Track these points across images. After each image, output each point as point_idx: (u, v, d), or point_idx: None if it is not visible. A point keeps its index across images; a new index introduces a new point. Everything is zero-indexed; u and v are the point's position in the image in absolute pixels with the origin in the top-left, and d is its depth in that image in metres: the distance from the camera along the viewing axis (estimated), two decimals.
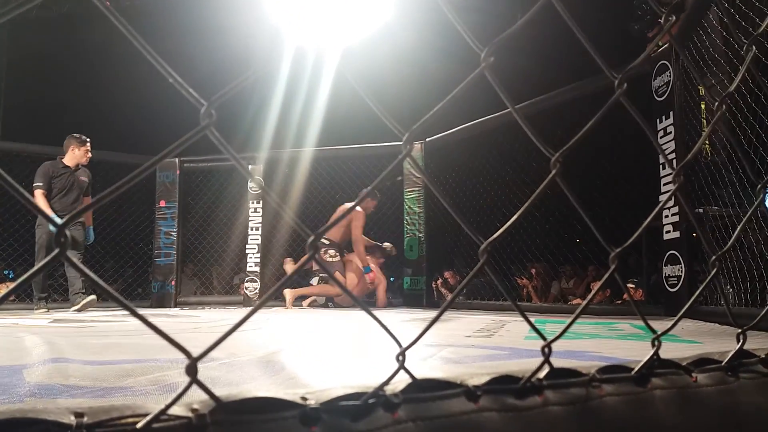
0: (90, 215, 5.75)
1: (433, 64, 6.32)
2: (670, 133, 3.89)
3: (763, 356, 0.75)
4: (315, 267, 5.99)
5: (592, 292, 0.67)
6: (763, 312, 0.80)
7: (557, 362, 1.84)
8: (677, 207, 3.93)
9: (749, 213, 0.86)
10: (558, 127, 4.97)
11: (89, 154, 5.59)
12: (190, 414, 0.44)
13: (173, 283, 6.54)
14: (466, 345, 2.28)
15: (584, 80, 4.78)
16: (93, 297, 5.25)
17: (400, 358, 0.54)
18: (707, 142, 3.62)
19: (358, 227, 5.83)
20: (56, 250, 0.41)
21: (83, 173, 5.63)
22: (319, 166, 6.74)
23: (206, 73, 7.02)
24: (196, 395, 0.47)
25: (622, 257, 0.70)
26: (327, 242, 5.83)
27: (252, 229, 6.57)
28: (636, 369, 0.63)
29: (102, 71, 8.35)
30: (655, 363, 0.66)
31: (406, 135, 0.59)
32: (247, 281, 6.56)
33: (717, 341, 2.44)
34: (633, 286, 5.06)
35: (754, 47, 0.88)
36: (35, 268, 0.44)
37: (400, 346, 0.55)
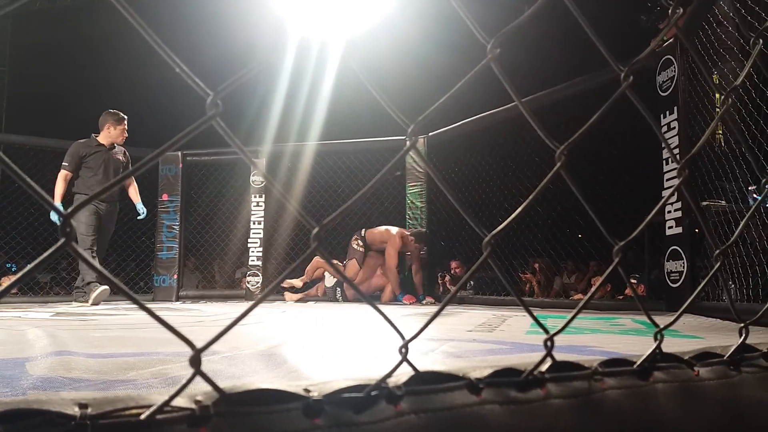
0: (136, 191, 5.59)
1: (435, 56, 6.30)
2: (674, 128, 3.87)
3: (766, 350, 0.75)
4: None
5: (594, 287, 0.67)
6: (766, 307, 0.80)
7: (559, 356, 1.85)
8: (680, 202, 3.92)
9: (752, 209, 0.86)
10: (561, 121, 4.96)
11: (126, 134, 5.35)
12: (193, 405, 0.44)
13: (175, 276, 6.55)
14: (468, 339, 2.29)
15: (588, 75, 4.76)
16: (105, 287, 5.22)
17: (403, 350, 0.54)
18: (720, 131, 3.61)
19: (392, 256, 5.78)
20: (61, 240, 0.41)
21: (120, 152, 5.40)
22: (321, 160, 6.74)
23: (210, 65, 7.02)
24: (199, 387, 0.47)
25: (623, 252, 0.70)
26: (361, 238, 5.90)
27: (254, 223, 6.57)
28: (638, 363, 0.63)
29: (106, 63, 8.35)
30: (658, 357, 0.66)
31: (411, 127, 0.59)
32: (249, 275, 6.58)
33: (719, 336, 2.44)
34: (635, 281, 5.06)
35: (761, 41, 0.87)
36: (85, 255, 0.44)
37: (403, 338, 0.55)
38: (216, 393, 0.45)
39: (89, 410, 0.41)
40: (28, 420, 0.39)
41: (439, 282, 6.77)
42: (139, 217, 5.68)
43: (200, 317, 3.83)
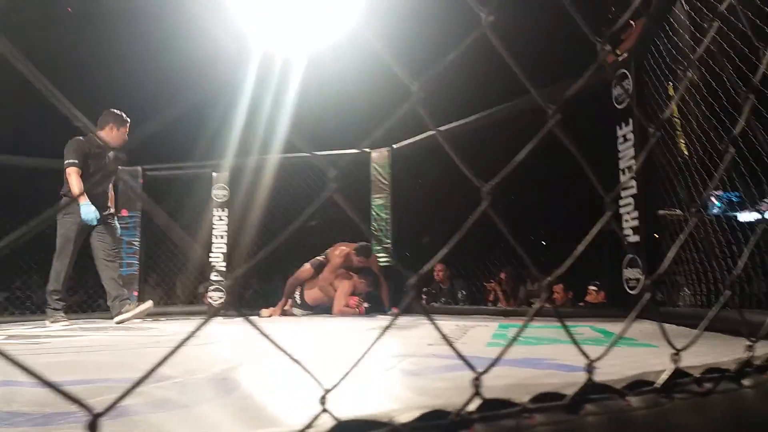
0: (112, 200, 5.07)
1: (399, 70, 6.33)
2: (630, 139, 3.97)
3: (697, 375, 0.76)
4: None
5: (530, 306, 0.67)
6: (695, 335, 0.81)
7: (515, 371, 1.83)
8: (637, 212, 4.01)
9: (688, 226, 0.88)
10: (519, 137, 5.02)
11: (126, 138, 4.82)
12: None
13: (136, 293, 6.40)
14: (427, 354, 2.28)
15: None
16: (149, 303, 4.91)
17: (322, 401, 0.53)
18: (683, 141, 3.70)
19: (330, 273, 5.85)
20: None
21: (116, 158, 4.82)
22: (284, 173, 6.68)
23: (170, 76, 6.91)
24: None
25: (584, 260, 0.70)
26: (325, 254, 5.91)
27: (217, 237, 6.47)
28: (569, 396, 0.63)
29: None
30: (589, 389, 0.66)
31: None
32: (211, 290, 6.47)
33: (674, 343, 2.49)
34: (595, 288, 5.15)
35: (717, 21, 0.89)
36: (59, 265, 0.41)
37: (324, 389, 0.54)
38: None
39: None
40: None
41: (489, 289, 6.48)
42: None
43: (158, 336, 3.74)
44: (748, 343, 0.85)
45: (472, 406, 0.57)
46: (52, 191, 5.23)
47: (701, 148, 3.18)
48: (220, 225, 6.51)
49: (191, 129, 6.95)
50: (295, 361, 0.51)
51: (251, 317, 0.53)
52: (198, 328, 0.47)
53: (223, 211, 6.50)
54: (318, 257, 5.97)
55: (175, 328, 4.68)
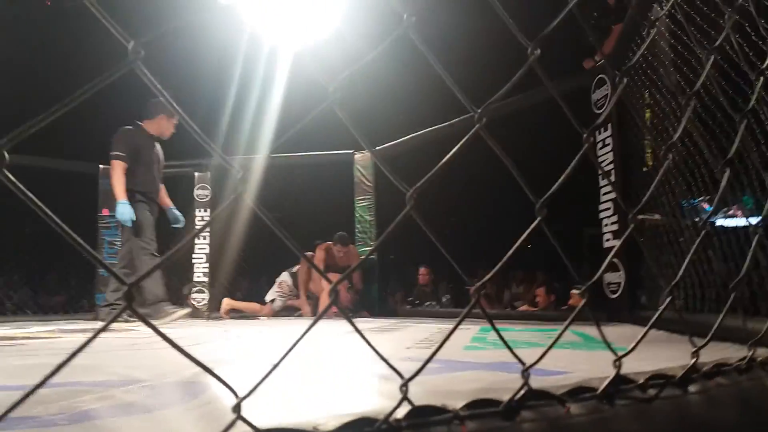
0: (166, 196, 4.88)
1: (384, 71, 6.32)
2: (609, 144, 4.00)
3: (642, 381, 0.76)
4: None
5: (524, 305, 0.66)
6: (636, 342, 0.82)
7: (486, 374, 1.83)
8: (616, 216, 4.04)
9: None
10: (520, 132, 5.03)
11: (174, 129, 4.64)
12: None
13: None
14: (404, 358, 2.28)
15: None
16: (185, 311, 4.60)
17: (237, 410, 0.52)
18: (649, 151, 3.73)
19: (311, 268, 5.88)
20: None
21: (159, 149, 4.72)
22: (269, 173, 6.65)
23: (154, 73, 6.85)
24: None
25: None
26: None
27: (199, 238, 6.42)
28: (504, 402, 0.63)
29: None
30: (527, 394, 0.66)
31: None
32: (194, 291, 6.42)
33: (651, 348, 2.50)
34: (577, 291, 5.17)
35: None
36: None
37: (236, 396, 0.53)
38: None
39: None
40: None
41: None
42: (177, 226, 4.99)
43: (137, 338, 3.70)
44: (693, 349, 0.85)
45: (401, 413, 0.57)
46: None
47: (677, 155, 3.20)
48: (202, 226, 6.47)
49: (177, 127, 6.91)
50: (207, 369, 0.51)
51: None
52: (95, 335, 0.46)
53: (205, 211, 6.46)
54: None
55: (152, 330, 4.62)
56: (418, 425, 0.56)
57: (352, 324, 0.58)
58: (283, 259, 6.32)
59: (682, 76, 3.12)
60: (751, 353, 0.91)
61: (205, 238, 6.46)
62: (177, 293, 7.20)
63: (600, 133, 4.03)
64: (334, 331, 4.01)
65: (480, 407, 0.61)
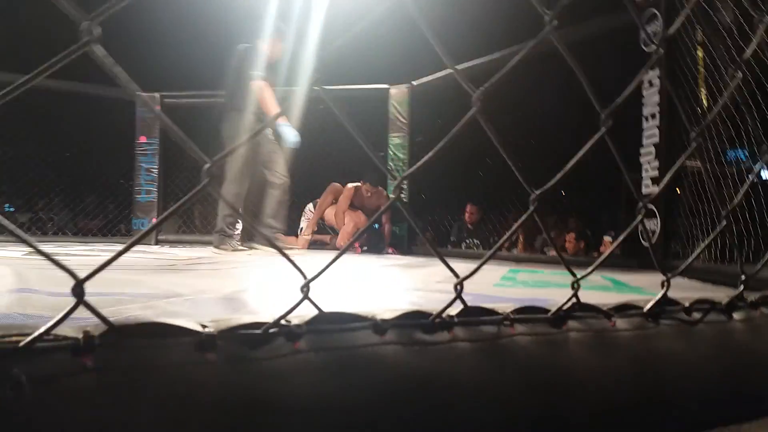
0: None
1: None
2: (655, 85, 3.85)
3: (687, 305, 0.76)
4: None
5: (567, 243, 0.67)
6: (689, 261, 0.81)
7: (507, 308, 1.86)
8: (657, 161, 3.93)
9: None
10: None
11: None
12: (79, 335, 0.44)
13: (154, 220, 6.52)
14: (434, 290, 2.32)
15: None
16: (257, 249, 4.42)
17: (305, 289, 0.54)
18: (704, 91, 3.58)
19: (340, 204, 5.91)
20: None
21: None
22: (304, 106, 6.61)
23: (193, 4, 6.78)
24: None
25: (540, 202, 0.70)
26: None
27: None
28: (552, 311, 0.64)
29: None
30: (576, 306, 0.67)
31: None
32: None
33: (680, 294, 2.49)
34: (610, 239, 5.13)
35: None
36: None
37: (304, 277, 0.55)
38: (105, 325, 0.45)
39: None
40: None
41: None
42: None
43: (174, 261, 3.83)
44: (742, 277, 0.84)
45: (454, 311, 0.58)
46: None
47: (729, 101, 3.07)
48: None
49: (210, 57, 6.87)
50: (286, 256, 0.52)
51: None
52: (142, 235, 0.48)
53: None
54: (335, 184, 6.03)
55: (191, 254, 4.78)
56: (470, 323, 0.58)
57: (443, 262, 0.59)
58: (314, 192, 6.38)
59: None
60: None
61: None
62: (211, 222, 7.38)
63: (647, 73, 3.88)
64: (370, 263, 4.09)
65: (529, 313, 0.63)
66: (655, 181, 3.97)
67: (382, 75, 6.27)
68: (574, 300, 0.67)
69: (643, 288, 2.71)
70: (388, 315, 0.55)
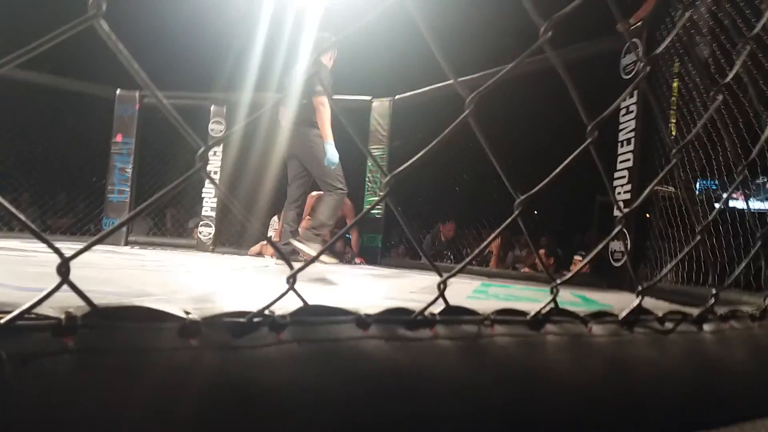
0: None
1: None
2: (633, 111, 3.95)
3: (660, 315, 0.78)
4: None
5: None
6: (665, 271, 0.83)
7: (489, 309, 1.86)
8: (630, 185, 4.02)
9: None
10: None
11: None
12: (61, 316, 0.43)
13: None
14: (407, 299, 2.33)
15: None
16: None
17: (290, 280, 0.54)
18: (674, 122, 3.69)
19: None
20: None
21: None
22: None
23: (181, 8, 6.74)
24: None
25: (525, 207, 0.71)
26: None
27: (210, 173, 6.42)
28: (531, 314, 0.65)
29: None
30: (554, 311, 0.68)
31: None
32: (201, 225, 6.48)
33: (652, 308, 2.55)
34: (580, 258, 5.20)
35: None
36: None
37: (291, 268, 0.55)
38: (88, 306, 0.45)
39: None
40: None
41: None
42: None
43: (144, 262, 3.78)
44: (713, 291, 0.87)
45: (437, 309, 0.59)
46: None
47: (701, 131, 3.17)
48: (213, 160, 6.46)
49: (194, 59, 6.82)
50: (278, 251, 0.52)
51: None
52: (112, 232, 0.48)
53: (218, 146, 6.45)
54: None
55: (161, 256, 4.71)
56: (451, 321, 0.59)
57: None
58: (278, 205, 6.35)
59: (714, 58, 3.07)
60: (766, 304, 0.92)
61: (215, 173, 6.47)
62: (182, 226, 7.28)
63: (625, 99, 3.97)
64: (342, 273, 4.08)
65: (509, 315, 0.64)
66: (626, 204, 4.06)
67: (363, 88, 6.30)
68: (552, 305, 0.68)
69: (612, 306, 2.77)
70: (371, 310, 0.55)
